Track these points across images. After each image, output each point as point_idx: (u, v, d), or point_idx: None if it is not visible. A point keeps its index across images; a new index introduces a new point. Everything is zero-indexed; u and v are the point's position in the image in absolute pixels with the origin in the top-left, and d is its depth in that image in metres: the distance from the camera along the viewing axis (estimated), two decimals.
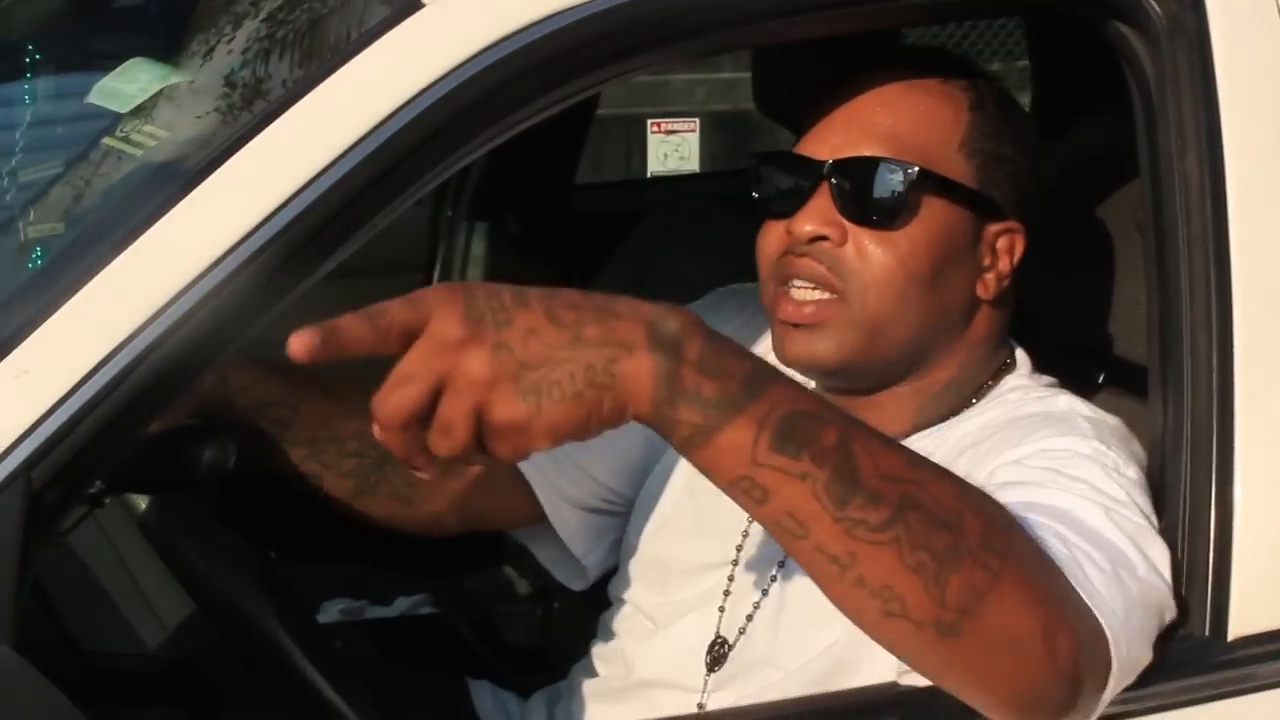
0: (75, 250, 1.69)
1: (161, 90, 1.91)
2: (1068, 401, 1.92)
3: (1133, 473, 1.76)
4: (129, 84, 1.91)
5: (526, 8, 1.64)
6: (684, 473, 2.09)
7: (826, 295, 1.89)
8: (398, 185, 1.62)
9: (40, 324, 1.51)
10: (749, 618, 1.97)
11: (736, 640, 1.98)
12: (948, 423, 1.94)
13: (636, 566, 2.13)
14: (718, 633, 1.99)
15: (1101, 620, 1.52)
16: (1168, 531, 1.76)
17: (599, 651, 2.15)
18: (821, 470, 1.38)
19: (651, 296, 1.42)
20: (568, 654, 2.23)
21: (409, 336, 1.33)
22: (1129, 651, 1.56)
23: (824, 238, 1.88)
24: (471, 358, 1.32)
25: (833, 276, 1.89)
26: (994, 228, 1.94)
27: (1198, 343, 1.82)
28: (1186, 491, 1.80)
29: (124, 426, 1.53)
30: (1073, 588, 1.51)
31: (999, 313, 1.98)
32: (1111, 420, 1.87)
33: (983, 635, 1.45)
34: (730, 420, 1.37)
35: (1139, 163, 1.91)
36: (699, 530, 2.06)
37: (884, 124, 1.92)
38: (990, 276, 1.95)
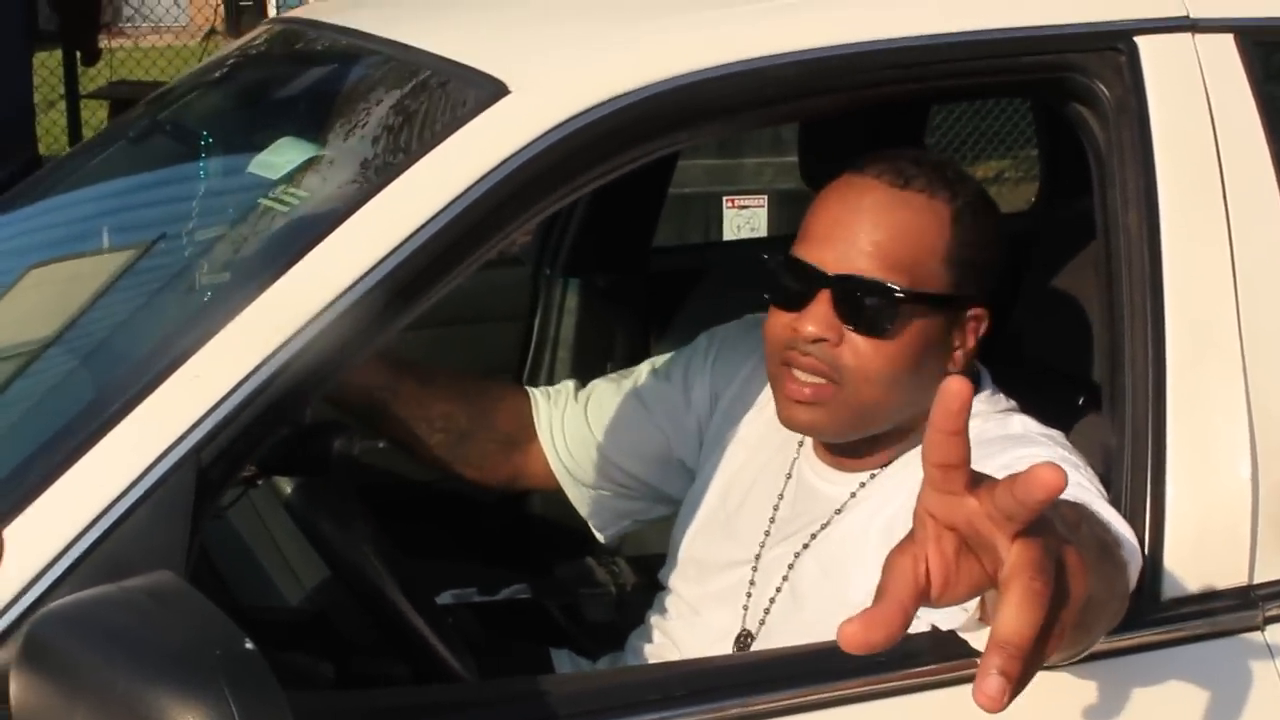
0: (235, 285, 1.80)
1: (305, 161, 1.97)
2: (1021, 422, 2.00)
3: (1089, 469, 1.86)
4: (280, 157, 1.99)
5: (589, 93, 1.75)
6: (720, 482, 2.19)
7: (823, 382, 1.97)
8: (488, 233, 1.71)
9: (209, 340, 1.61)
10: (766, 610, 2.05)
11: (758, 630, 2.05)
12: (917, 449, 2.00)
13: (680, 562, 2.21)
14: (743, 624, 2.07)
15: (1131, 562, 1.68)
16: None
17: (652, 629, 2.21)
18: None
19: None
20: (633, 627, 2.29)
21: None
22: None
23: (824, 339, 1.96)
24: None
25: (829, 370, 1.96)
26: (964, 316, 2.00)
27: (1137, 363, 1.89)
28: (1128, 483, 1.87)
29: (270, 420, 1.62)
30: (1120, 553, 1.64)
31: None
32: (1055, 433, 1.96)
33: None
34: None
35: (1095, 217, 1.97)
36: (728, 533, 2.15)
37: (877, 241, 1.94)
38: (959, 354, 2.01)
